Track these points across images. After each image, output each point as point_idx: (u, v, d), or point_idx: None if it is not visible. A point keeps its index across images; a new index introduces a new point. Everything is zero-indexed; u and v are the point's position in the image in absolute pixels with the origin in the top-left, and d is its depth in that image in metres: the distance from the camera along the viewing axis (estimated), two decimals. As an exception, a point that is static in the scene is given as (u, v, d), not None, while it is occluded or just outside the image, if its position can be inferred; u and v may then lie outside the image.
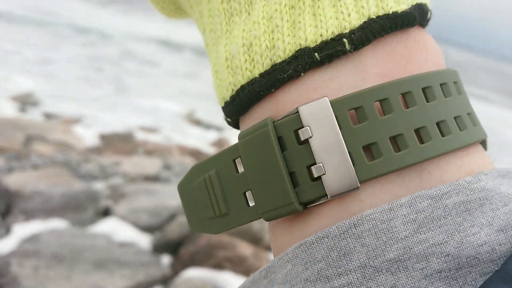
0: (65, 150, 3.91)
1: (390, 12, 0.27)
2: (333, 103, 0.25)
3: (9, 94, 5.47)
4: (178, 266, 2.56)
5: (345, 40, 0.26)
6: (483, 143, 0.30)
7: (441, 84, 0.27)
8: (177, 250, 2.67)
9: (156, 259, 2.58)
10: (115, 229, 2.76)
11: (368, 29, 0.26)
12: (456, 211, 0.24)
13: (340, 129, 0.25)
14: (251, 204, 0.27)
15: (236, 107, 0.29)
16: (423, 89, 0.26)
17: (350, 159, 0.25)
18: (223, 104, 0.30)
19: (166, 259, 2.63)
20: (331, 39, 0.26)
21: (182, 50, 13.12)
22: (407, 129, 0.25)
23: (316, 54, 0.26)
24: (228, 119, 0.31)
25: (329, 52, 0.26)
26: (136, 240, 2.72)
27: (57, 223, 2.72)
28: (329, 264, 0.24)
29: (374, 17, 0.26)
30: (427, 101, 0.26)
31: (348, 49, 0.26)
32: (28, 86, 5.96)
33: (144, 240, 2.75)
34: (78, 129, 4.73)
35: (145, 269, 2.44)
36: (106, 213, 2.96)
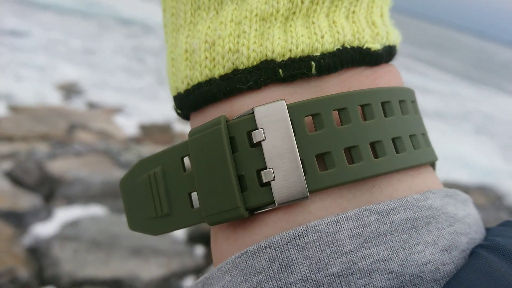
0: (106, 139, 4.02)
1: (364, 47, 0.26)
2: (290, 108, 0.24)
3: (55, 82, 5.67)
4: (211, 257, 2.59)
5: (313, 63, 0.25)
6: (433, 165, 0.30)
7: (400, 101, 0.26)
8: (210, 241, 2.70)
9: (190, 249, 2.62)
10: (152, 217, 2.81)
11: (338, 58, 0.25)
12: (402, 228, 0.23)
13: (294, 134, 0.24)
14: (196, 206, 0.26)
15: (190, 103, 0.27)
16: (382, 104, 0.25)
17: (302, 167, 0.23)
18: (175, 94, 0.29)
19: (200, 250, 2.66)
20: (299, 57, 0.25)
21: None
22: (363, 142, 0.24)
23: (280, 70, 0.25)
24: (178, 111, 0.29)
25: (294, 72, 0.25)
26: (172, 230, 2.76)
27: (96, 210, 2.81)
28: (270, 276, 0.23)
29: (349, 46, 0.25)
30: (385, 116, 0.25)
31: (314, 73, 0.25)
32: (73, 75, 6.16)
33: (180, 230, 2.79)
34: (119, 118, 4.85)
35: (179, 258, 2.48)
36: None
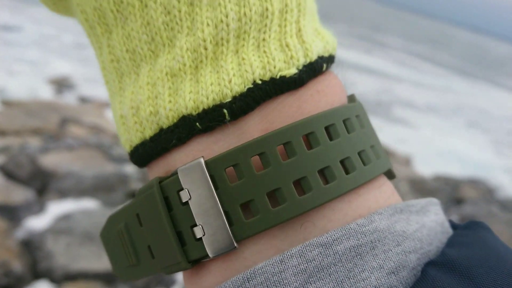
0: (98, 133, 4.02)
1: (278, 77, 0.25)
2: (209, 163, 0.25)
3: (47, 77, 5.64)
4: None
5: (225, 111, 0.25)
6: (389, 172, 0.29)
7: (327, 127, 0.25)
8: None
9: (182, 242, 2.64)
10: (144, 211, 2.82)
11: (250, 97, 0.25)
12: (346, 257, 0.23)
13: (217, 189, 0.24)
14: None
15: (136, 162, 0.29)
16: (307, 135, 0.25)
17: (225, 220, 0.24)
18: (127, 152, 0.30)
19: (192, 242, 2.68)
20: (212, 107, 0.25)
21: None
22: (284, 182, 0.24)
23: (197, 123, 0.25)
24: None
25: (210, 123, 0.25)
26: (164, 223, 2.77)
27: (89, 203, 2.81)
28: None
29: (260, 81, 0.25)
30: (311, 148, 0.25)
31: (228, 119, 0.25)
32: (65, 70, 6.13)
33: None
34: (111, 112, 4.84)
35: (172, 251, 2.50)
36: (135, 195, 3.03)
